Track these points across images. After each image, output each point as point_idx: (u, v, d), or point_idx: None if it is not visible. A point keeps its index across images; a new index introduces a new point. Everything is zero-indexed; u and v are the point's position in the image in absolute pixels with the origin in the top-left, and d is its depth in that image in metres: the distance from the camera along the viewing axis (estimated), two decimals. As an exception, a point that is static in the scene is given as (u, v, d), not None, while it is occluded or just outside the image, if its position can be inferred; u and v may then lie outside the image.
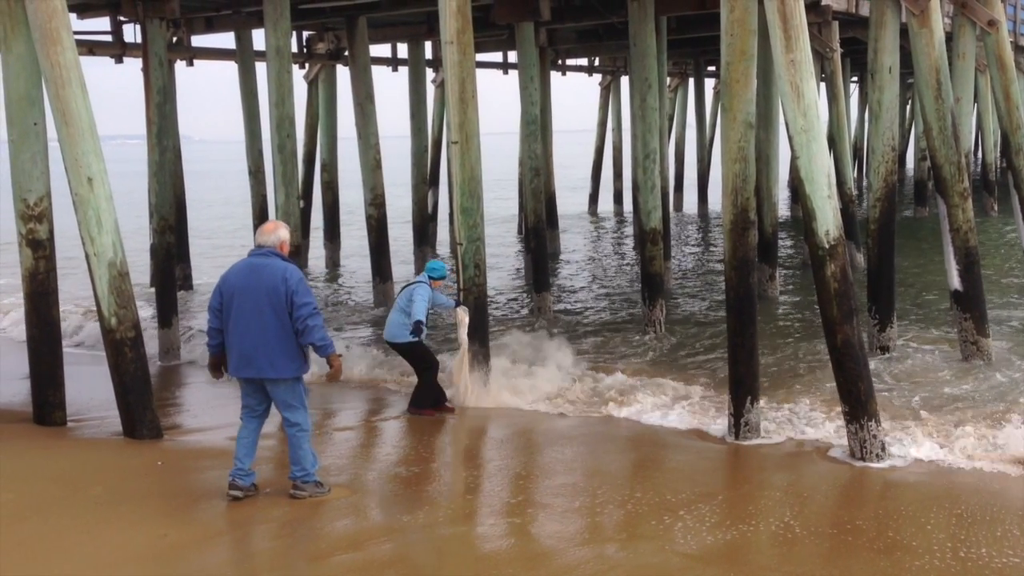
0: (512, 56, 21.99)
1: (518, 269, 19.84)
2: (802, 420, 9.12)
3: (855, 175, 28.74)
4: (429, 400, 9.65)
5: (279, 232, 7.10)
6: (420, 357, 9.69)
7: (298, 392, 7.06)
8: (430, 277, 9.78)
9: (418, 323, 9.40)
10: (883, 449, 8.01)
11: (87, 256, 8.67)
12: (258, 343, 6.87)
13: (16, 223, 9.06)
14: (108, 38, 16.08)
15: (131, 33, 15.83)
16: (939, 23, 10.60)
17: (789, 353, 11.94)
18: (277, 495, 7.26)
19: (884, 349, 11.32)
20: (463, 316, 9.76)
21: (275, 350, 6.87)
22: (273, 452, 8.56)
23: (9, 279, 17.89)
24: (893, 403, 9.52)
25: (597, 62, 27.17)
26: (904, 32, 10.83)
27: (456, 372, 9.88)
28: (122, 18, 15.31)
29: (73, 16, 13.94)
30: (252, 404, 7.16)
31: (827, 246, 8.08)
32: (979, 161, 32.98)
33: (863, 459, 7.92)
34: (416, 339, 9.54)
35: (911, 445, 8.23)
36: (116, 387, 8.78)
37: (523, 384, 10.27)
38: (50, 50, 8.39)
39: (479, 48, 15.25)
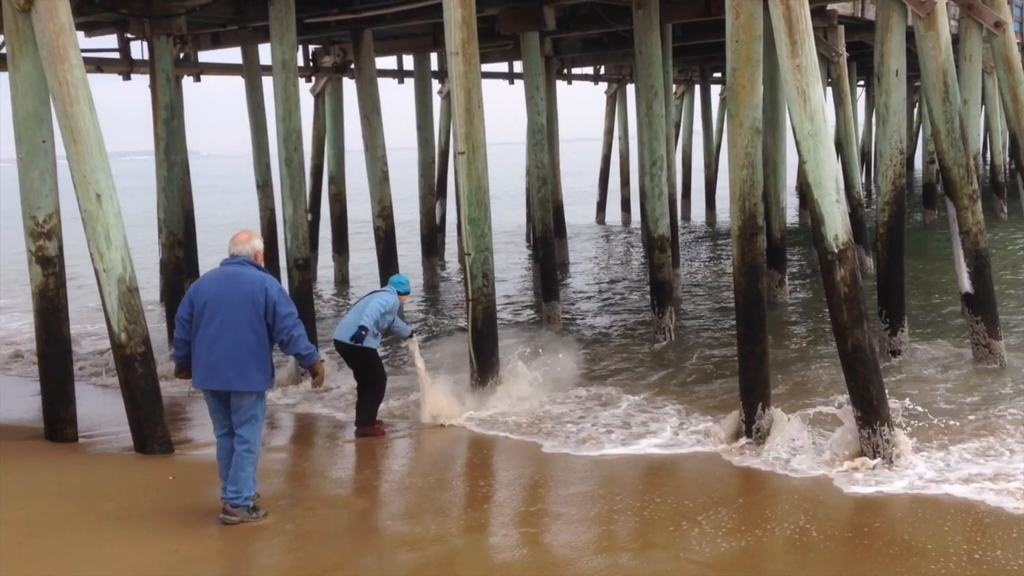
0: (518, 66, 22.01)
1: (526, 279, 19.83)
2: (815, 424, 9.06)
3: (863, 179, 28.66)
4: (374, 417, 9.32)
5: (253, 242, 6.96)
6: (373, 368, 9.32)
7: (259, 409, 6.85)
8: (397, 292, 9.51)
9: (362, 328, 9.10)
10: (896, 454, 7.96)
11: (96, 272, 8.70)
12: (228, 354, 6.68)
13: (26, 240, 9.09)
14: (116, 55, 16.16)
15: (138, 50, 15.91)
16: (945, 25, 10.57)
17: (800, 358, 11.89)
18: (290, 508, 7.26)
19: (895, 353, 11.26)
20: (415, 347, 9.66)
21: (246, 362, 6.69)
22: (283, 465, 8.57)
23: (10, 299, 17.97)
24: (905, 408, 9.46)
25: (603, 70, 27.19)
26: (910, 35, 10.81)
27: (423, 396, 9.66)
28: (129, 35, 15.35)
29: (80, 34, 14.00)
30: (220, 419, 6.92)
31: (836, 250, 8.05)
32: (988, 163, 32.86)
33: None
34: (373, 347, 9.23)
35: (926, 451, 8.16)
36: (126, 402, 8.80)
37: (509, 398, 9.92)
38: (58, 68, 8.43)
39: (484, 58, 15.23)
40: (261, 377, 6.77)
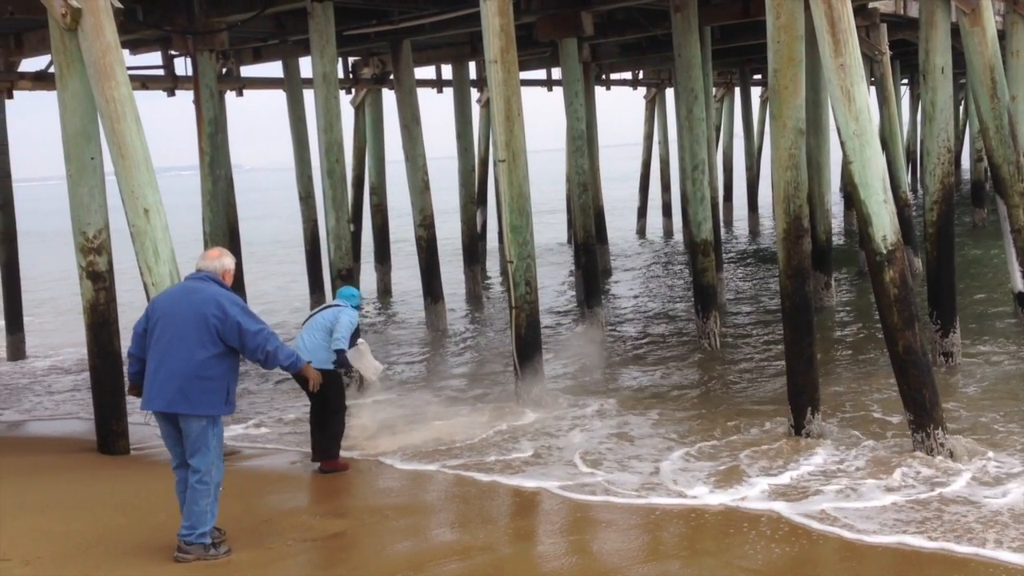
0: (556, 73, 22.02)
1: (568, 287, 19.77)
2: (867, 430, 8.93)
3: (908, 179, 28.23)
4: (339, 448, 8.47)
5: (223, 259, 6.51)
6: (337, 392, 8.42)
7: (211, 436, 6.29)
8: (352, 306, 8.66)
9: (341, 352, 8.29)
10: (951, 458, 7.82)
11: (145, 286, 8.82)
12: (174, 372, 6.18)
13: (76, 256, 9.24)
14: (160, 72, 16.42)
15: (182, 66, 16.17)
16: (991, 21, 10.43)
17: (849, 362, 11.72)
18: (335, 516, 7.29)
19: (947, 356, 11.06)
20: (361, 355, 8.74)
21: (192, 382, 6.17)
22: (320, 476, 8.61)
23: (36, 317, 18.25)
24: (955, 410, 9.29)
25: (641, 75, 27.12)
26: (955, 32, 10.65)
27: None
28: (173, 52, 15.61)
29: (126, 52, 14.25)
30: (173, 446, 6.40)
31: (885, 251, 7.93)
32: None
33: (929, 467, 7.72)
34: (334, 369, 8.34)
35: (983, 456, 8.00)
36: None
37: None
38: (105, 86, 8.58)
39: (523, 66, 15.24)
40: (209, 400, 6.22)
